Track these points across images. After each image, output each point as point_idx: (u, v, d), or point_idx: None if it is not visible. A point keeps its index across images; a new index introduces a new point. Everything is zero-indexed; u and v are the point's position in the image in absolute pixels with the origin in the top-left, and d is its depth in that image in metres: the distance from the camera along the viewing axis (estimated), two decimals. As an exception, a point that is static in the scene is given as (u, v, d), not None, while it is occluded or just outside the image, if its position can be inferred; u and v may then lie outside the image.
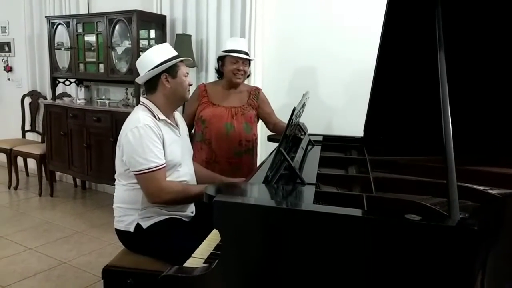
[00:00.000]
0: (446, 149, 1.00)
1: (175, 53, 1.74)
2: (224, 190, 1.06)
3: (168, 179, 1.65)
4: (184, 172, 1.76)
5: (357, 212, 0.95)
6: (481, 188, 1.44)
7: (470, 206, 1.24)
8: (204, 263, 1.18)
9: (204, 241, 1.32)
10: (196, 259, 1.19)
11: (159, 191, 1.60)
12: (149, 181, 1.59)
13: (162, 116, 1.69)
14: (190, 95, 1.83)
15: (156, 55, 1.69)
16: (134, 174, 1.61)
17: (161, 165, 1.60)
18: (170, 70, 1.69)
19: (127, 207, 1.69)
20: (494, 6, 1.43)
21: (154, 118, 1.66)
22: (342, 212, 0.91)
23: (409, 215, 0.89)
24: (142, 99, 1.76)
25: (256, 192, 1.13)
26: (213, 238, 1.33)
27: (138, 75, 1.75)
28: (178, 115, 1.89)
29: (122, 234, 1.73)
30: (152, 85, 1.73)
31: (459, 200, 1.29)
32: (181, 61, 1.73)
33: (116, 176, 1.74)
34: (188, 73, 1.76)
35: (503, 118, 1.64)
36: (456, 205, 0.91)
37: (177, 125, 1.80)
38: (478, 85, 1.66)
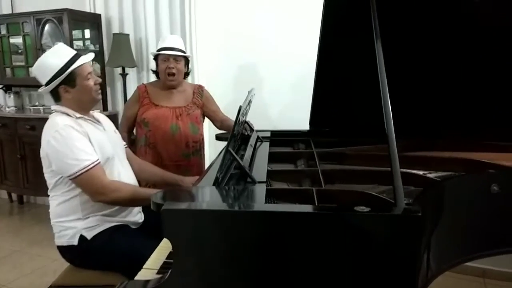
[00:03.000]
0: (388, 137, 1.03)
1: (70, 55, 1.57)
2: (172, 196, 1.02)
3: None
4: (118, 167, 1.66)
5: (309, 208, 0.96)
6: (420, 173, 1.52)
7: (413, 191, 1.30)
8: (157, 273, 1.13)
9: (155, 250, 1.27)
10: (148, 270, 1.14)
11: (102, 188, 1.50)
12: (89, 180, 1.49)
13: (78, 115, 1.60)
14: (99, 94, 1.67)
15: (49, 65, 1.55)
16: (71, 179, 1.50)
17: (95, 161, 1.51)
18: (66, 80, 1.56)
19: (67, 220, 1.57)
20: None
21: (71, 117, 1.57)
22: (295, 209, 0.92)
23: (358, 207, 0.91)
24: (52, 106, 1.64)
25: (206, 196, 1.09)
26: (164, 246, 1.27)
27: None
28: (98, 114, 1.78)
29: (65, 250, 1.60)
30: (54, 96, 1.62)
31: (403, 186, 1.37)
32: (79, 65, 1.57)
33: (49, 191, 1.62)
34: (90, 73, 1.61)
35: (440, 102, 1.74)
36: (401, 192, 0.94)
37: (98, 121, 1.70)
38: (413, 71, 1.74)
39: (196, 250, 0.91)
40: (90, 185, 1.50)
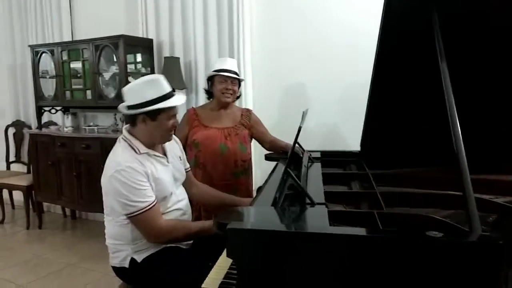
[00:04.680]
0: (459, 161, 0.99)
1: (165, 91, 1.57)
2: (235, 216, 1.02)
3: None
4: (173, 201, 1.67)
5: (379, 232, 0.92)
6: (487, 197, 1.43)
7: (480, 217, 1.22)
8: (216, 293, 1.12)
9: (212, 269, 1.27)
10: (207, 290, 1.14)
11: (157, 231, 1.53)
12: (145, 222, 1.52)
13: (143, 149, 1.60)
14: (170, 136, 1.68)
15: (142, 92, 1.55)
16: (128, 217, 1.53)
17: (153, 203, 1.53)
18: (150, 112, 1.56)
19: (118, 243, 1.61)
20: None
21: (135, 153, 1.57)
22: (365, 233, 0.88)
23: (430, 232, 0.87)
24: (124, 130, 1.66)
25: (269, 216, 1.09)
26: (221, 265, 1.27)
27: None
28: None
29: (118, 271, 1.65)
30: (131, 119, 1.62)
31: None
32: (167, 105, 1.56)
33: (105, 212, 1.65)
34: (174, 115, 1.62)
35: (503, 124, 1.64)
36: (477, 219, 0.89)
37: (164, 154, 1.71)
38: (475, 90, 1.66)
39: (261, 270, 0.90)
40: (146, 227, 1.53)
